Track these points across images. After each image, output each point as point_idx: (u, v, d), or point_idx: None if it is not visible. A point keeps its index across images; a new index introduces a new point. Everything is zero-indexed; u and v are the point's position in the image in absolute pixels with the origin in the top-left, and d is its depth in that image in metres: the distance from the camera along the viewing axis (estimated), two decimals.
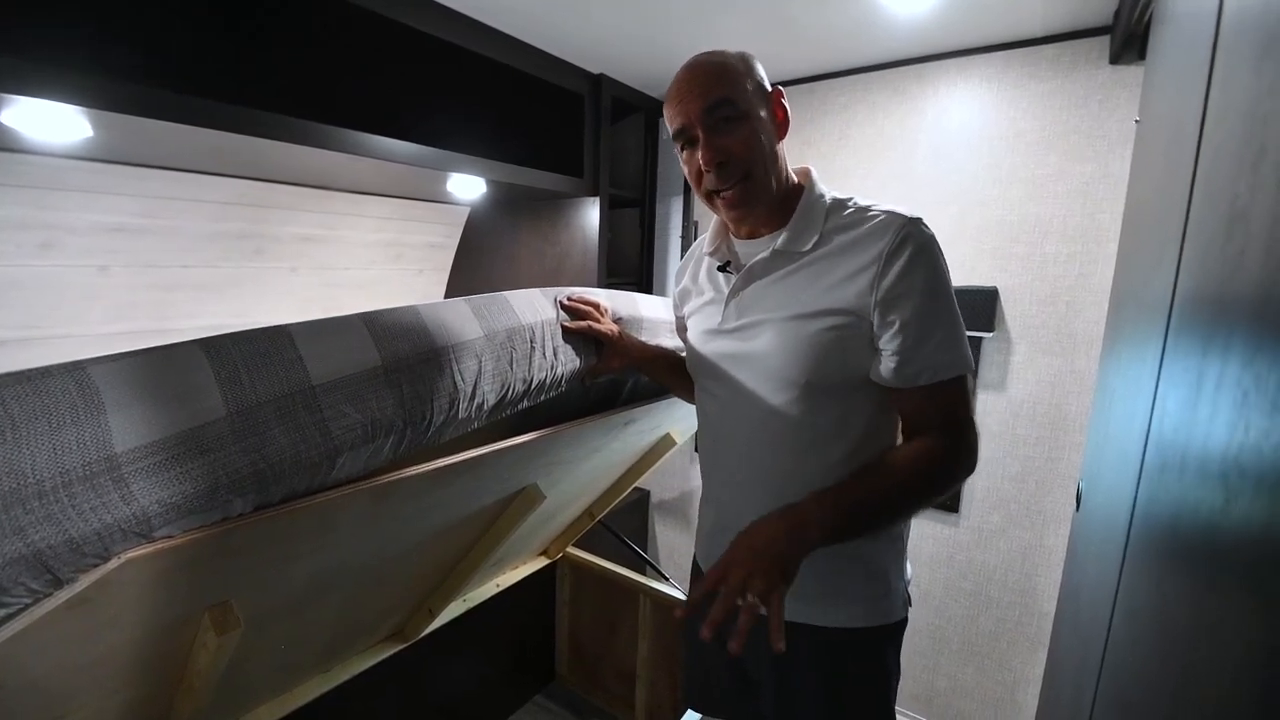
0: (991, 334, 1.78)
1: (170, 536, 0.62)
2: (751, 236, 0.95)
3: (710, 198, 0.90)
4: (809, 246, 0.87)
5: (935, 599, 1.95)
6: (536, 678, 2.12)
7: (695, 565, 1.12)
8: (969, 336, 1.74)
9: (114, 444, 0.58)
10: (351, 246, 2.11)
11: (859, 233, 0.84)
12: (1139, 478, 0.68)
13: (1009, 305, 1.78)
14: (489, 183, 1.81)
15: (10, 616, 0.57)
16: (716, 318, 0.98)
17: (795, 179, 0.93)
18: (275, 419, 0.69)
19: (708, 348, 0.99)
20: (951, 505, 1.89)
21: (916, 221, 0.82)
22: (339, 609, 1.16)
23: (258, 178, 1.75)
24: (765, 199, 0.88)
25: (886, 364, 0.83)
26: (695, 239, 1.19)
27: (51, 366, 0.59)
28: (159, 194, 1.63)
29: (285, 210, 1.88)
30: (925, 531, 1.95)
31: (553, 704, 2.07)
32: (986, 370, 1.83)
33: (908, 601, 0.94)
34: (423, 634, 1.54)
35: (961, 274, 1.84)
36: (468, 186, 1.84)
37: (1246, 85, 0.49)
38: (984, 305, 1.77)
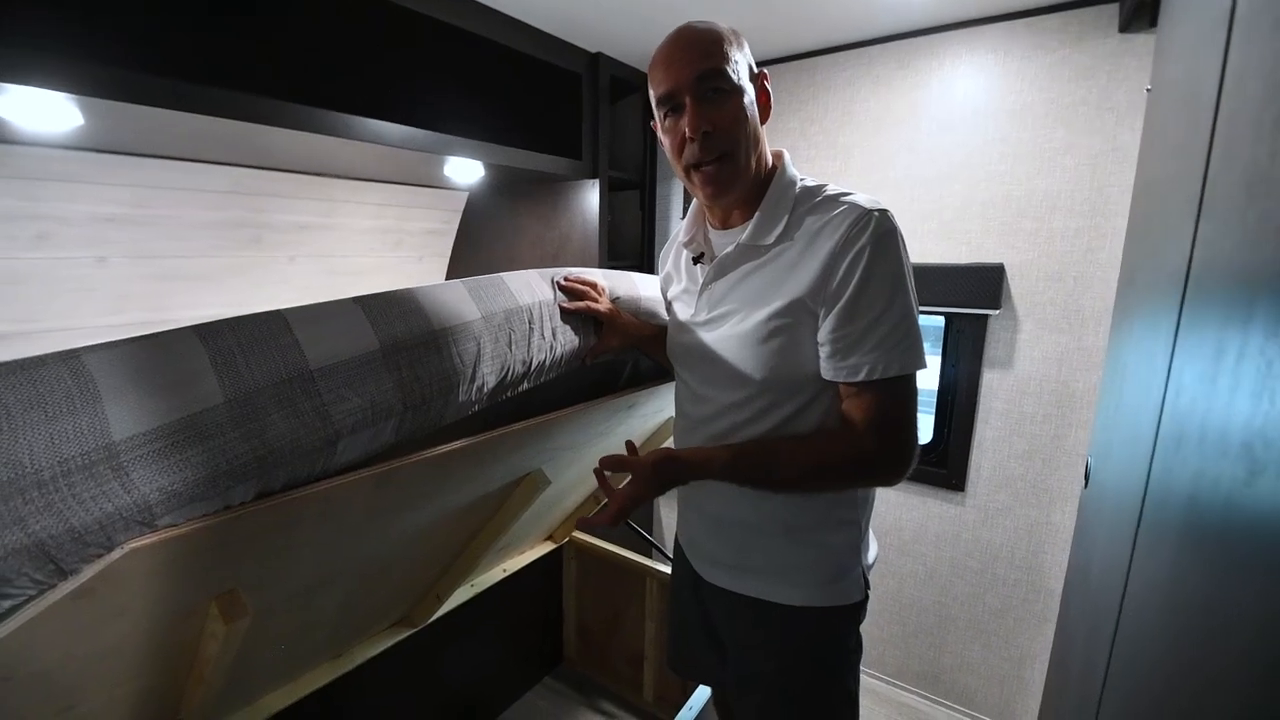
0: (998, 311, 1.76)
1: (173, 525, 0.62)
2: (725, 225, 0.95)
3: (688, 173, 0.88)
4: (773, 240, 0.87)
5: (941, 577, 1.95)
6: (545, 661, 2.14)
7: (676, 540, 1.15)
8: (975, 314, 1.76)
9: (112, 432, 0.58)
10: (350, 234, 2.09)
11: (822, 224, 0.83)
12: (1152, 453, 0.67)
13: (1015, 282, 1.76)
14: (487, 166, 1.78)
15: (16, 608, 0.57)
16: (690, 309, 0.99)
17: (770, 161, 0.92)
18: (274, 404, 0.68)
19: (681, 337, 1.01)
20: (957, 484, 1.88)
21: (877, 213, 0.80)
22: (346, 596, 1.16)
23: (254, 165, 1.73)
24: (743, 179, 0.87)
25: (825, 355, 0.83)
26: None
27: (45, 355, 0.58)
28: (154, 183, 1.61)
29: (282, 198, 1.86)
30: (931, 510, 1.95)
31: (562, 685, 2.09)
32: (992, 348, 1.81)
33: (866, 584, 0.95)
34: (431, 619, 1.54)
35: (968, 250, 1.81)
36: (465, 170, 1.82)
37: (1266, 47, 0.47)
38: (990, 282, 1.75)
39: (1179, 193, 0.74)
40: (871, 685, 2.06)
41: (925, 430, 1.96)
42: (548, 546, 1.98)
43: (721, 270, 0.92)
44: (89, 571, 0.57)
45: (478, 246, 2.34)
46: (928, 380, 2.14)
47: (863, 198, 0.83)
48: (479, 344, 0.93)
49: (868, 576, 0.96)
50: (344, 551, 0.98)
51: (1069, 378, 1.71)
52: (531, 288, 1.06)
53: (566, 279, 1.12)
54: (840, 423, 0.84)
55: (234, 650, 0.85)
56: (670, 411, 1.55)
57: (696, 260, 0.98)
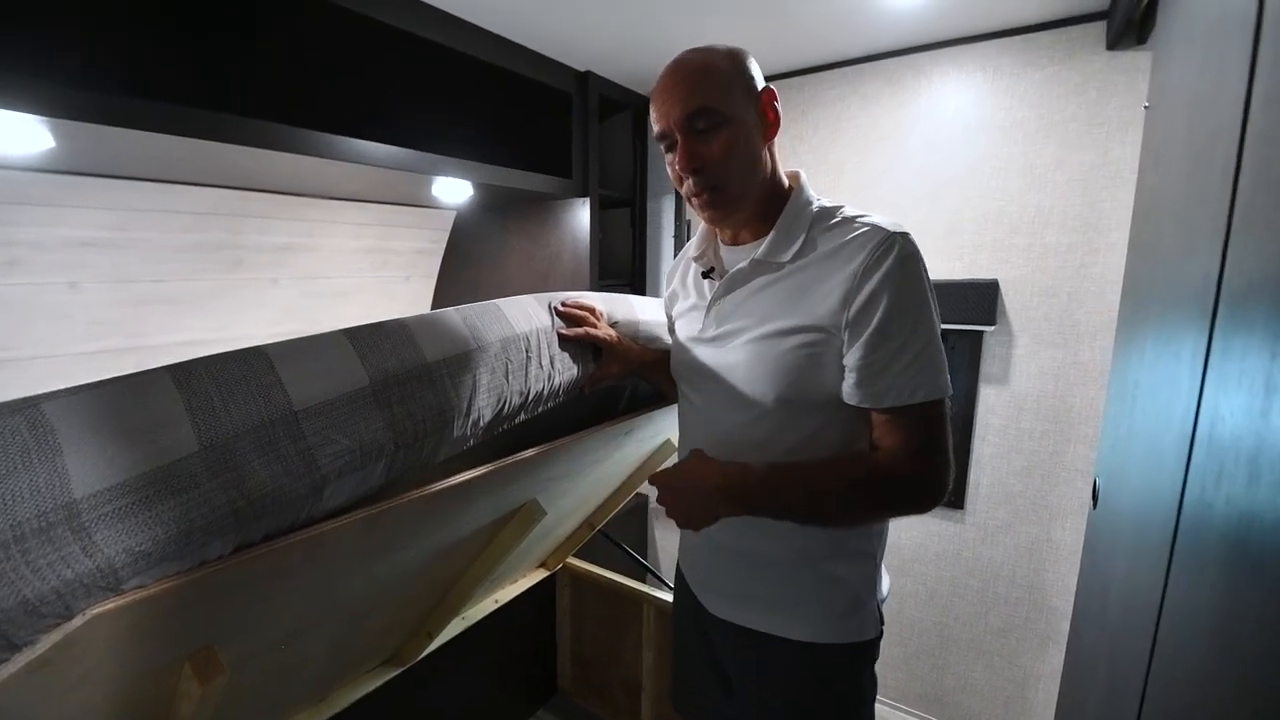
0: (993, 327, 1.75)
1: (142, 587, 0.56)
2: (736, 243, 0.93)
3: (689, 199, 0.89)
4: (789, 258, 0.85)
5: (942, 597, 1.92)
6: (539, 692, 2.07)
7: (678, 569, 1.11)
8: (970, 330, 1.74)
9: (72, 489, 0.52)
10: (334, 254, 2.04)
11: (840, 244, 0.81)
12: (1184, 482, 0.64)
13: (1010, 298, 1.75)
14: (475, 185, 1.75)
15: None
16: (698, 325, 0.96)
17: (786, 181, 0.91)
18: (254, 450, 0.63)
19: (687, 355, 0.98)
20: (956, 502, 1.86)
21: (900, 236, 0.79)
22: (332, 640, 1.10)
23: (234, 186, 1.68)
24: (741, 206, 0.86)
25: (851, 382, 0.80)
26: (688, 238, 1.16)
27: (1, 404, 0.53)
28: (130, 205, 1.55)
29: (263, 219, 1.80)
30: (930, 529, 1.92)
31: (556, 718, 2.02)
32: (989, 364, 1.80)
33: (880, 619, 0.92)
34: (421, 656, 1.48)
35: (961, 267, 1.81)
36: (453, 190, 1.78)
37: None
38: (985, 298, 1.74)
39: (1197, 208, 0.72)
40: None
41: None
42: (540, 574, 1.92)
43: (732, 285, 0.90)
44: (45, 642, 0.52)
45: (466, 266, 2.30)
46: None
47: (882, 219, 0.81)
48: (475, 376, 0.88)
49: (881, 611, 0.92)
50: (329, 596, 0.92)
51: (1066, 393, 1.70)
52: (529, 314, 1.02)
53: (565, 304, 1.08)
54: (874, 451, 0.82)
55: (210, 709, 0.79)
56: (667, 434, 1.52)
57: (706, 275, 0.96)
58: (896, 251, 0.77)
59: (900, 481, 0.79)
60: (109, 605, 0.53)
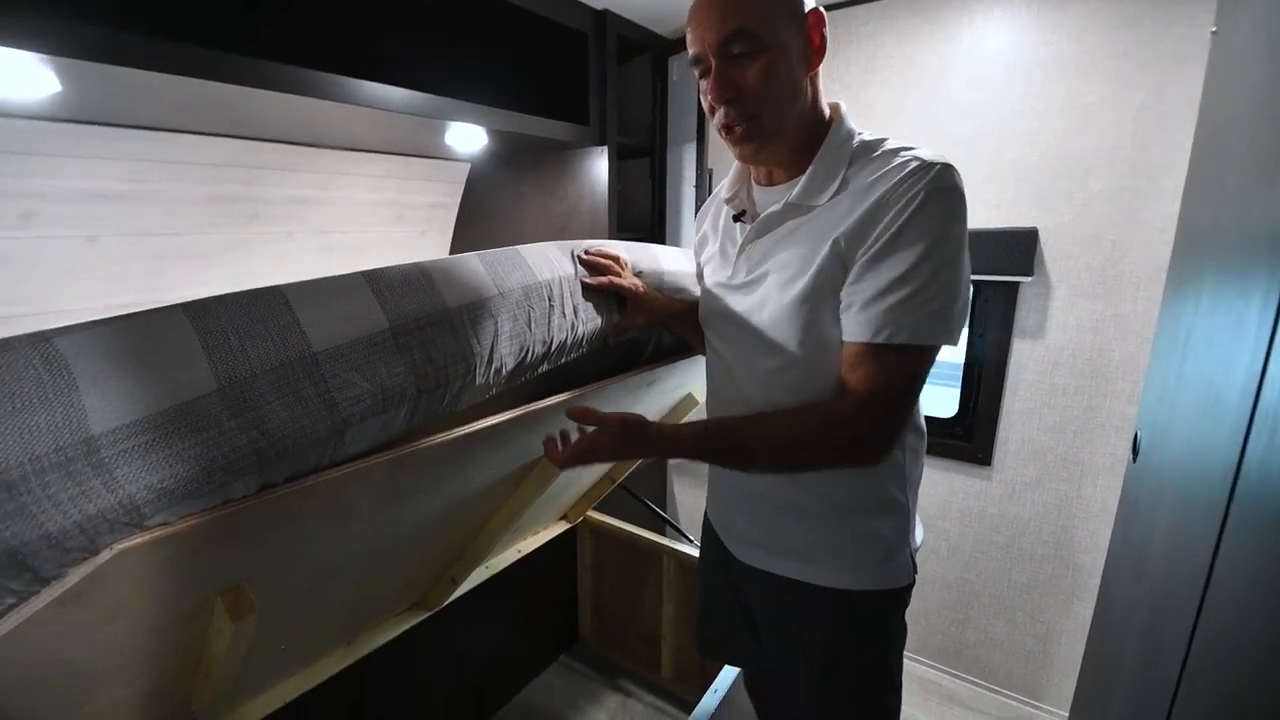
0: (1030, 278, 1.68)
1: (166, 524, 0.56)
2: (771, 182, 0.88)
3: (721, 132, 0.83)
4: (824, 200, 0.79)
5: (965, 553, 1.91)
6: (561, 640, 2.12)
7: (705, 519, 1.10)
8: (1005, 281, 1.67)
9: (90, 425, 0.51)
10: (349, 208, 2.01)
11: (876, 178, 0.75)
12: (1246, 434, 0.60)
13: (1049, 247, 1.67)
14: (490, 134, 1.69)
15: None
16: (727, 270, 0.92)
17: (826, 112, 0.84)
18: (273, 391, 0.62)
19: (716, 302, 0.94)
20: (984, 459, 1.82)
21: (939, 165, 0.72)
22: (359, 584, 1.12)
23: (248, 136, 1.64)
24: (778, 139, 0.80)
25: (840, 311, 0.76)
26: (710, 189, 1.10)
27: (11, 339, 0.52)
28: (145, 156, 1.53)
29: (278, 171, 1.77)
30: (956, 485, 1.89)
31: (579, 664, 2.08)
32: (1024, 317, 1.73)
33: (913, 568, 0.90)
34: (446, 602, 1.51)
35: (999, 214, 1.72)
36: (467, 139, 1.73)
37: None
38: (1023, 248, 1.66)
39: (1275, 143, 0.65)
40: None
41: (950, 403, 1.90)
42: (562, 526, 1.94)
43: (764, 228, 0.85)
44: (74, 576, 0.52)
45: (481, 221, 2.26)
46: (953, 352, 2.08)
47: (927, 152, 0.75)
48: (496, 323, 0.86)
49: (915, 560, 0.90)
50: (355, 540, 0.93)
51: (1104, 347, 1.64)
52: (551, 262, 0.99)
53: (588, 252, 1.05)
54: (831, 391, 0.78)
55: (243, 646, 0.81)
56: (690, 387, 1.49)
57: (737, 218, 0.92)
58: (929, 179, 0.71)
59: (844, 431, 0.75)
60: (134, 541, 0.53)
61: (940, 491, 1.91)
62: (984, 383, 1.80)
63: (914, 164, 0.73)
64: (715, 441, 0.82)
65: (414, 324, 0.76)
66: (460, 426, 0.83)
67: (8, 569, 0.48)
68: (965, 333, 1.83)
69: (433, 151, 2.03)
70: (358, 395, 0.68)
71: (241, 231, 1.81)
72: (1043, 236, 1.67)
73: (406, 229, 2.22)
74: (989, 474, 1.84)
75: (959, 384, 1.86)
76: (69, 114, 1.34)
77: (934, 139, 1.77)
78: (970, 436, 1.84)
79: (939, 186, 0.71)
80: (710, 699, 1.29)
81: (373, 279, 0.75)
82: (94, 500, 0.51)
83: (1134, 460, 1.14)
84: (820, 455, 0.78)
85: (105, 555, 0.52)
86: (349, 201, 2.00)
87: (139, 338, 0.57)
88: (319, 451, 0.66)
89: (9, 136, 1.30)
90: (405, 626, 1.45)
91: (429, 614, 1.50)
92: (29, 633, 0.54)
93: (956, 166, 0.74)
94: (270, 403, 0.61)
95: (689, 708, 1.26)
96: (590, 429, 0.83)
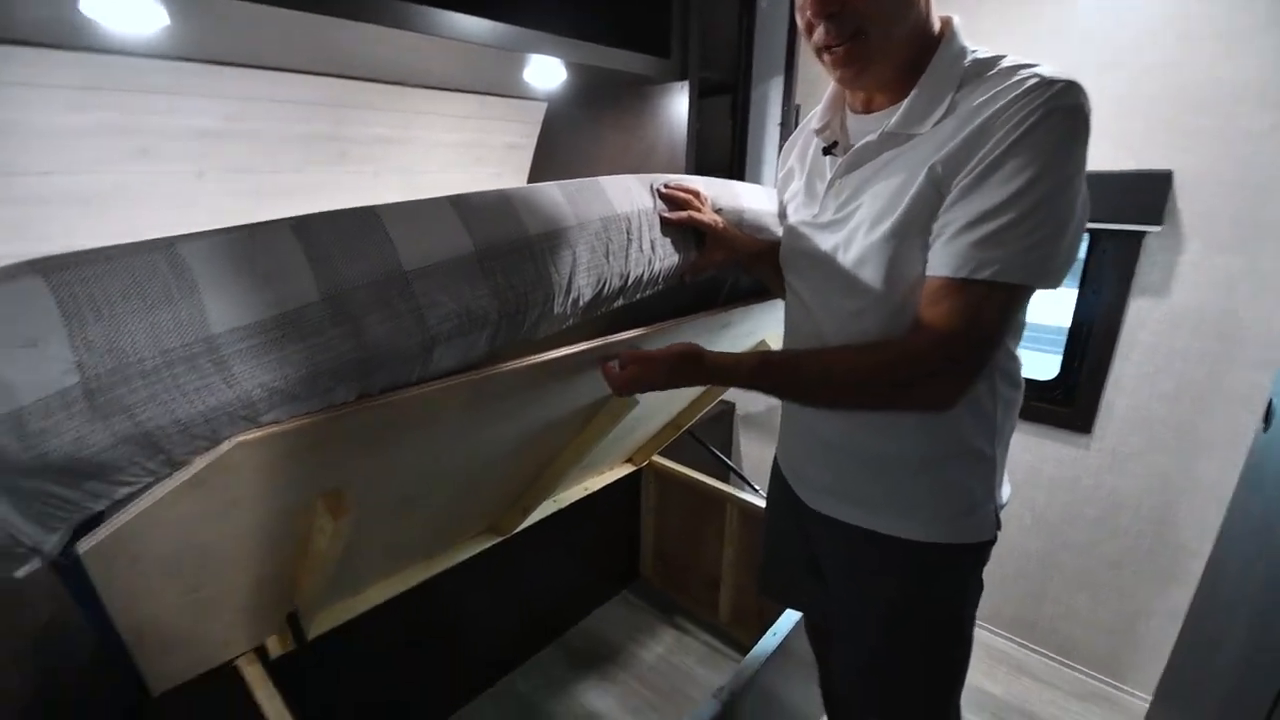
0: (1159, 228, 1.50)
1: (277, 422, 0.60)
2: (868, 109, 0.80)
3: (819, 53, 0.75)
4: (927, 127, 0.71)
5: (1051, 524, 1.80)
6: (622, 577, 2.20)
7: (775, 463, 1.08)
8: (1128, 231, 1.50)
9: (210, 324, 0.55)
10: (431, 148, 2.05)
11: (988, 98, 0.66)
12: None
13: (1183, 193, 1.48)
14: (568, 68, 1.65)
15: (133, 495, 0.57)
16: (813, 208, 0.86)
17: (937, 27, 0.75)
18: (370, 304, 0.64)
19: (798, 242, 0.88)
20: (1083, 425, 1.69)
21: (1063, 86, 0.63)
22: (441, 501, 1.19)
23: (337, 74, 1.69)
24: (884, 58, 0.72)
25: (930, 243, 0.69)
26: (797, 125, 1.03)
27: (139, 243, 0.56)
28: (244, 94, 1.60)
29: (365, 110, 1.82)
30: (1047, 452, 1.78)
31: (638, 599, 2.15)
32: (1146, 272, 1.56)
33: (997, 524, 0.85)
34: (517, 529, 1.58)
35: (1128, 156, 1.53)
36: (546, 75, 1.70)
37: None
38: (1153, 193, 1.48)
39: None
40: None
41: (1050, 365, 1.76)
42: (628, 469, 1.98)
43: (857, 161, 0.79)
44: (200, 463, 0.57)
45: (556, 162, 2.25)
46: (1056, 312, 1.89)
47: (1052, 69, 0.66)
48: (574, 253, 0.86)
49: (999, 516, 0.85)
50: (439, 458, 0.98)
51: (1237, 307, 1.46)
52: (630, 194, 0.97)
53: (668, 186, 1.02)
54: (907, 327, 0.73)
55: (341, 545, 0.87)
56: (765, 333, 1.45)
57: (828, 151, 0.85)
58: (1049, 96, 0.63)
59: (913, 368, 0.70)
60: (250, 435, 0.58)
61: (1029, 457, 1.80)
62: (1092, 343, 1.65)
63: (1033, 80, 0.64)
64: (774, 372, 0.79)
65: (497, 249, 0.77)
66: (537, 354, 0.84)
67: (145, 449, 0.54)
68: (1074, 289, 1.68)
69: (511, 90, 2.02)
70: (444, 314, 0.70)
71: (332, 170, 1.88)
72: (1177, 180, 1.48)
73: (485, 170, 2.25)
74: (1087, 442, 1.71)
75: (1059, 348, 1.72)
76: (178, 52, 1.41)
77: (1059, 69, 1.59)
78: (1071, 401, 1.70)
79: (1059, 105, 0.63)
80: (769, 641, 1.30)
81: (459, 204, 0.77)
82: (216, 394, 0.55)
83: (1265, 430, 1.02)
84: (884, 394, 0.74)
85: (226, 446, 0.57)
86: (430, 142, 2.03)
87: (250, 247, 0.60)
88: (409, 366, 0.69)
89: (128, 75, 1.39)
90: (479, 549, 1.54)
91: (501, 539, 1.58)
92: (161, 513, 0.61)
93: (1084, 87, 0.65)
94: (367, 315, 0.64)
95: (744, 650, 1.28)
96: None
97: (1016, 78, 0.66)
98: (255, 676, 1.10)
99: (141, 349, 0.52)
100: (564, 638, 1.97)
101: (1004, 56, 0.71)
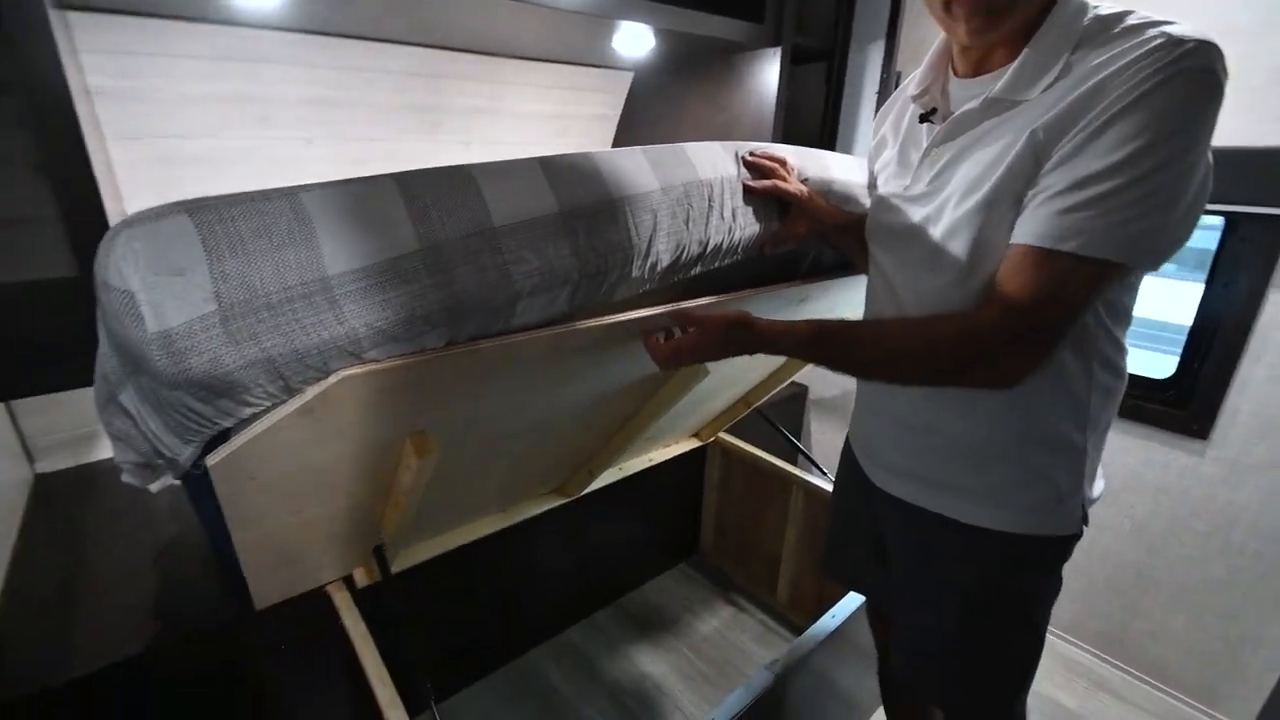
0: None
1: (377, 360, 0.65)
2: (976, 71, 0.73)
3: (947, 5, 0.69)
4: (1035, 92, 0.65)
5: (1151, 535, 1.66)
6: (681, 549, 2.23)
7: (846, 442, 1.05)
8: (1270, 215, 1.33)
9: (326, 267, 0.60)
10: (519, 119, 2.10)
11: (1106, 59, 0.60)
12: None
13: None
14: (657, 34, 1.64)
15: (256, 416, 0.64)
16: (904, 179, 0.81)
17: None
18: (462, 257, 0.68)
19: (886, 215, 0.84)
20: (1200, 430, 1.54)
21: (1194, 45, 0.56)
22: (514, 455, 1.24)
23: (433, 44, 1.76)
24: (1012, 9, 0.65)
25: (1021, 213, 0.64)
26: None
27: (269, 190, 0.62)
28: (350, 64, 1.70)
29: (458, 80, 1.88)
30: (1154, 457, 1.63)
31: (696, 573, 2.18)
32: None
33: (1083, 519, 0.79)
34: (583, 492, 1.64)
35: (1276, 131, 1.35)
36: (634, 42, 1.70)
37: None
38: None
39: None
40: None
41: (1163, 364, 1.61)
42: (693, 444, 1.99)
43: (955, 130, 0.73)
44: (310, 392, 0.63)
45: (639, 133, 2.25)
46: (1170, 303, 1.69)
47: (1185, 28, 0.59)
48: (655, 218, 0.87)
49: (1088, 511, 0.80)
50: (515, 411, 1.03)
51: None
52: (714, 161, 0.96)
53: (753, 154, 1.01)
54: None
55: (424, 483, 0.94)
56: (844, 310, 1.41)
57: (925, 118, 0.80)
58: (1176, 56, 0.56)
59: (975, 342, 0.65)
60: (354, 370, 0.63)
61: (1131, 460, 1.66)
62: (1218, 341, 1.48)
63: (1159, 39, 0.57)
64: (828, 342, 0.76)
65: (581, 210, 0.79)
66: (613, 314, 0.86)
67: (268, 373, 0.60)
68: (1200, 283, 1.51)
69: (599, 59, 2.03)
70: (529, 270, 0.73)
71: (427, 139, 1.97)
72: None
73: (569, 141, 2.28)
74: (1202, 449, 1.55)
75: (1173, 346, 1.56)
76: (295, 23, 1.51)
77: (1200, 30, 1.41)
78: (1186, 403, 1.55)
79: (1187, 67, 0.56)
80: (827, 621, 1.29)
81: (546, 165, 0.79)
82: (328, 329, 0.61)
83: None
84: (943, 368, 0.70)
85: (333, 378, 0.63)
86: (519, 113, 2.09)
87: (361, 199, 0.65)
88: (494, 318, 0.73)
89: (251, 45, 1.51)
90: (547, 507, 1.61)
91: (567, 500, 1.64)
92: (276, 435, 0.68)
93: (1223, 51, 0.57)
94: (458, 266, 0.67)
95: (800, 633, 1.27)
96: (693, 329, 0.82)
97: (1141, 37, 0.59)
98: (343, 602, 1.21)
99: (268, 284, 0.58)
100: (621, 601, 2.03)
101: (1130, 13, 0.63)
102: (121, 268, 0.54)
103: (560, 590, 1.86)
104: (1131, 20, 0.62)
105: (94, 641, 1.07)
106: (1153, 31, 0.59)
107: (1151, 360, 1.59)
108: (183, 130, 1.55)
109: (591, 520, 1.80)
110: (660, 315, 0.89)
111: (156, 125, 1.49)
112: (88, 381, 0.84)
